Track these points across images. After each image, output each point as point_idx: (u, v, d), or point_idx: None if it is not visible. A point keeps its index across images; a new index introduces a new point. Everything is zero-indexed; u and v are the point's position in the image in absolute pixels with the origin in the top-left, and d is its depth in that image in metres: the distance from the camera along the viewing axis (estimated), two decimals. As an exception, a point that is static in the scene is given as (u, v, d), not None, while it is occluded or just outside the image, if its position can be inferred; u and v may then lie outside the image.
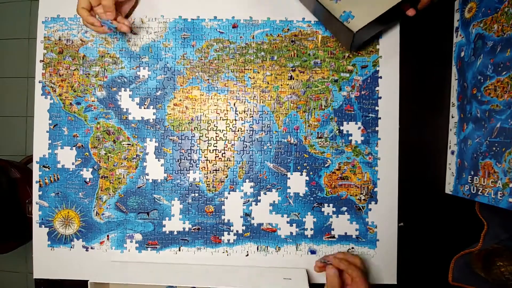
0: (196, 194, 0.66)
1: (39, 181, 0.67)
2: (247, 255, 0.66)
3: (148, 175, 0.67)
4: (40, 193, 0.67)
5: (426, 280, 0.66)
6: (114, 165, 0.67)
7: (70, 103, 0.67)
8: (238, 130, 0.67)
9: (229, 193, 0.66)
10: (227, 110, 0.67)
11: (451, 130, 0.65)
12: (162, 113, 0.67)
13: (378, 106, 0.66)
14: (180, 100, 0.67)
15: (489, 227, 0.58)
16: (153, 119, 0.67)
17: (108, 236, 0.67)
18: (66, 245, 0.67)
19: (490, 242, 0.58)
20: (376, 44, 0.66)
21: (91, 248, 0.67)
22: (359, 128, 0.65)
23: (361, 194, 0.65)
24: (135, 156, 0.67)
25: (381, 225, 0.65)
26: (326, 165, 0.66)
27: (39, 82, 0.67)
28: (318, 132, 0.66)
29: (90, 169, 0.67)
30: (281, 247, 0.66)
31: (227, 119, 0.67)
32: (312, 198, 0.66)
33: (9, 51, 1.55)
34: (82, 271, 0.66)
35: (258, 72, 0.66)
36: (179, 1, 0.67)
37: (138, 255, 0.66)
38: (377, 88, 0.66)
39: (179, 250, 0.66)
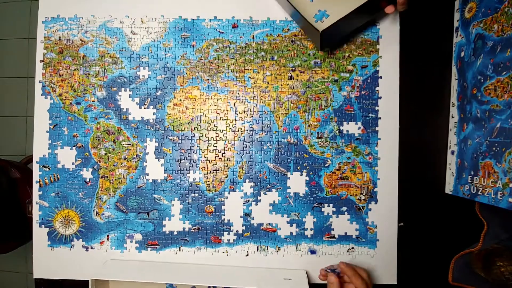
0: (196, 194, 0.66)
1: (39, 181, 0.67)
2: (247, 255, 0.66)
3: (148, 175, 0.67)
4: (40, 193, 0.67)
5: (426, 280, 0.66)
6: (114, 165, 0.67)
7: (70, 103, 0.67)
8: (238, 130, 0.67)
9: (229, 193, 0.66)
10: (227, 110, 0.67)
11: (451, 130, 0.65)
12: (162, 113, 0.67)
13: (378, 106, 0.66)
14: (180, 100, 0.67)
15: (489, 227, 0.58)
16: (153, 119, 0.67)
17: (108, 236, 0.67)
18: (66, 245, 0.67)
19: (490, 242, 0.58)
20: (376, 44, 0.66)
21: (91, 248, 0.67)
22: (359, 128, 0.66)
23: (361, 194, 0.65)
24: (135, 156, 0.67)
25: (381, 225, 0.65)
26: (326, 165, 0.66)
27: (39, 82, 0.67)
28: (318, 132, 0.66)
29: (90, 169, 0.67)
30: (281, 247, 0.66)
31: (227, 119, 0.67)
32: (312, 198, 0.66)
33: (9, 51, 1.54)
34: (82, 271, 0.66)
35: (258, 72, 0.66)
36: (179, 1, 0.67)
37: (138, 255, 0.66)
38: (377, 88, 0.66)
39: (179, 250, 0.66)
